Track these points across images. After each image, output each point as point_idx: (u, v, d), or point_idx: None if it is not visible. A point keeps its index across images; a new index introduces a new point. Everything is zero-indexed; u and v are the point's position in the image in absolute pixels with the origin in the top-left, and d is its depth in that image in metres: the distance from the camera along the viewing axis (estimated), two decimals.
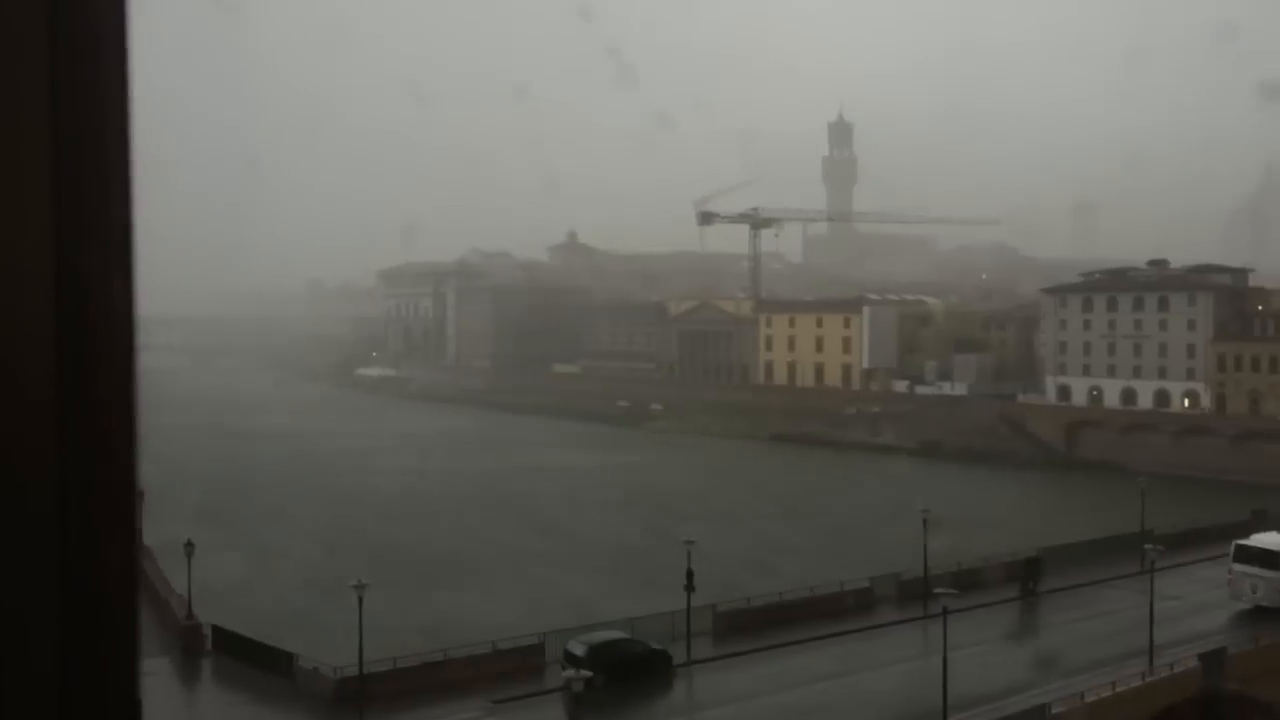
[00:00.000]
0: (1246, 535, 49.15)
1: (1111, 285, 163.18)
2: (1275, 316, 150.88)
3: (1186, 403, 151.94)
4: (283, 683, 37.85)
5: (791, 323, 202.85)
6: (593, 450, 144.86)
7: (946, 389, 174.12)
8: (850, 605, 47.09)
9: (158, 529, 46.00)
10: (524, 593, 63.69)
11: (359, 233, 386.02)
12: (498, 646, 39.47)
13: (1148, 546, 43.92)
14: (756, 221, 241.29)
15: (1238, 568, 46.52)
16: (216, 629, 41.43)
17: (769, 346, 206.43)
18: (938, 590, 39.11)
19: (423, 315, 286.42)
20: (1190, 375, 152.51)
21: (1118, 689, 35.30)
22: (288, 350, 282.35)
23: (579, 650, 37.62)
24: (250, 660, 39.33)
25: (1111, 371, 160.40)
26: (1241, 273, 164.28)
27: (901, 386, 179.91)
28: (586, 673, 31.31)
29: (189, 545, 42.62)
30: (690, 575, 40.80)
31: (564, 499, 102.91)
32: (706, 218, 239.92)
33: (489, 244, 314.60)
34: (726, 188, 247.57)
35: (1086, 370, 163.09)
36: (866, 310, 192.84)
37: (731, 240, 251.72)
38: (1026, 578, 50.07)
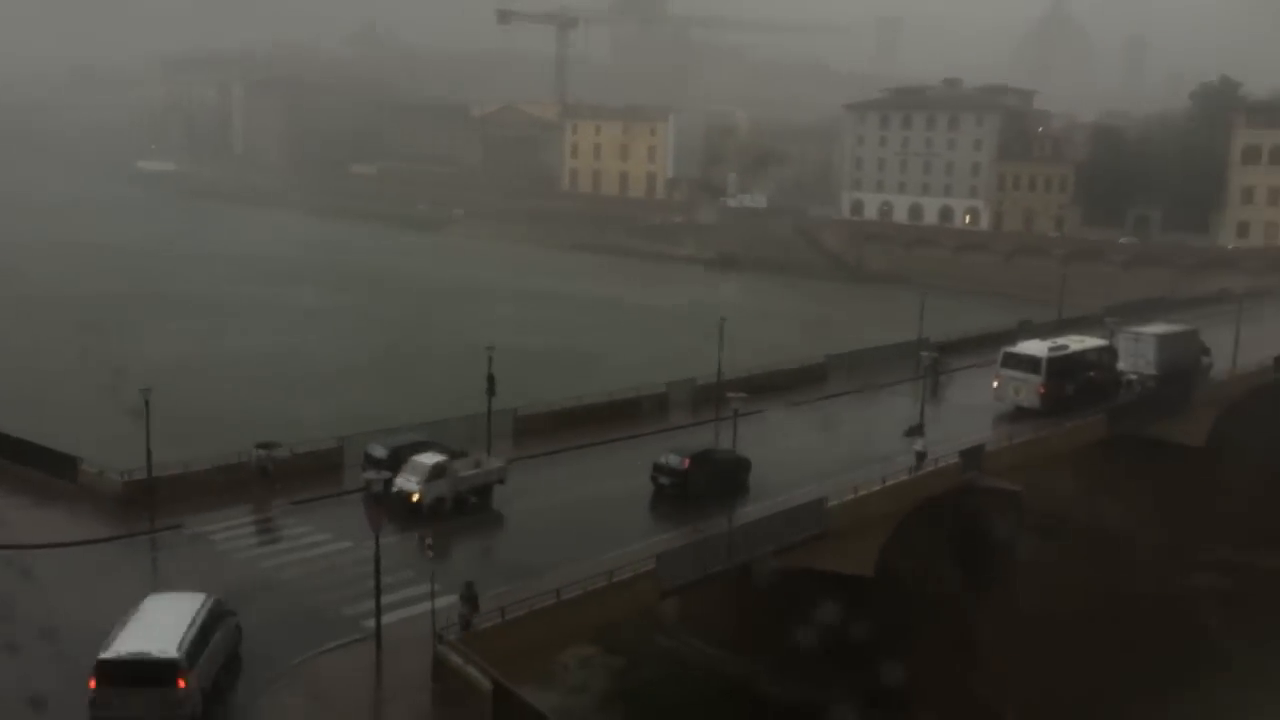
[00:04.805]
0: (1013, 343, 53.06)
1: (907, 103, 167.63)
2: (1054, 139, 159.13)
3: (968, 219, 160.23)
4: (68, 486, 36.54)
5: (597, 130, 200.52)
6: (388, 255, 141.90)
7: (748, 201, 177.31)
8: (646, 409, 48.65)
9: None
10: (325, 398, 62.98)
11: (136, 12, 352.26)
12: (295, 450, 39.08)
13: (924, 353, 46.85)
14: (563, 21, 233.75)
15: (1004, 372, 50.37)
16: None
17: (574, 154, 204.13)
18: (730, 394, 40.74)
19: (208, 106, 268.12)
20: (973, 193, 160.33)
21: (887, 483, 38.13)
22: (54, 141, 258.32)
23: (379, 452, 37.72)
24: (34, 464, 37.67)
25: (902, 188, 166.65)
26: (1027, 94, 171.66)
27: (704, 198, 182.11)
28: (386, 474, 31.39)
29: None
30: (491, 380, 41.11)
31: (356, 311, 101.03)
32: (505, 16, 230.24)
33: (281, 31, 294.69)
34: None
35: (880, 186, 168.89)
36: (672, 119, 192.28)
37: (540, 39, 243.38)
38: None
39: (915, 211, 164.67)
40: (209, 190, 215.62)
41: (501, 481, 37.64)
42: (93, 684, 22.12)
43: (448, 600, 26.64)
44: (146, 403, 34.60)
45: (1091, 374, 51.55)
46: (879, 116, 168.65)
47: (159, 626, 23.28)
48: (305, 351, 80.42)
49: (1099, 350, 53.00)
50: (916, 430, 42.43)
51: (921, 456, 40.52)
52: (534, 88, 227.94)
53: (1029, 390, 49.22)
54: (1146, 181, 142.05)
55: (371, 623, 26.63)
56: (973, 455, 40.89)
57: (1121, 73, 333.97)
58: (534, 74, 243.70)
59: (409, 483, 35.65)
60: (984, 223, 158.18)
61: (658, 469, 38.68)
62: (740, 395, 40.24)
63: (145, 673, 22.18)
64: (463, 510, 36.16)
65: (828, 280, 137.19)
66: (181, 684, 22.26)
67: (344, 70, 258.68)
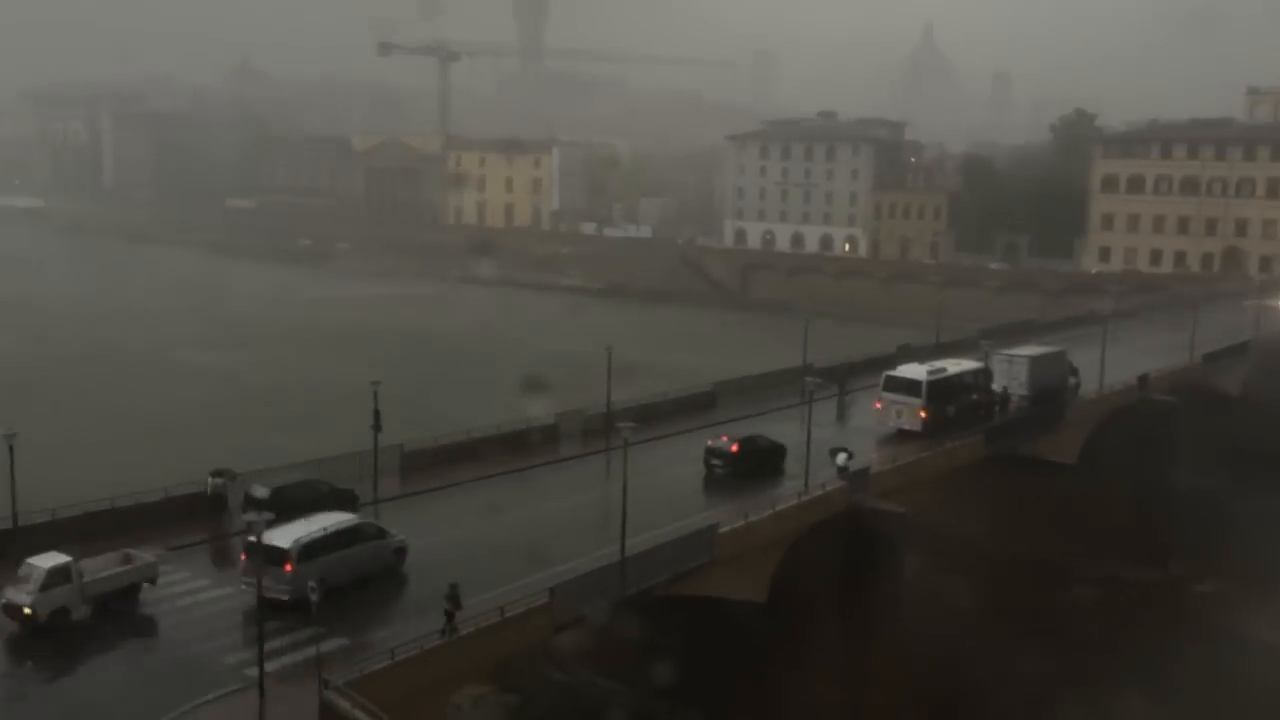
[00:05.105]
0: (894, 367, 54.34)
1: (786, 134, 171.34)
2: (927, 169, 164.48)
3: (847, 247, 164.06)
4: None
5: (482, 162, 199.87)
6: (276, 289, 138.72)
7: (632, 231, 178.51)
8: (536, 440, 48.35)
9: None
10: (203, 439, 61.12)
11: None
12: (170, 493, 37.73)
13: (807, 379, 47.56)
14: (444, 54, 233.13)
15: (886, 395, 51.50)
16: None
17: (458, 186, 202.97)
18: (620, 424, 40.73)
19: (76, 140, 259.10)
20: (852, 221, 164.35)
21: (777, 508, 38.60)
22: None
23: (260, 493, 36.64)
24: None
25: (783, 217, 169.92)
26: (899, 126, 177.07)
27: (590, 228, 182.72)
28: (269, 515, 30.51)
29: None
30: (377, 415, 40.37)
31: (240, 343, 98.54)
32: (385, 48, 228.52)
33: (152, 65, 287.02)
34: (408, 16, 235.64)
35: (761, 215, 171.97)
36: (556, 151, 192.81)
37: (422, 73, 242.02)
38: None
39: (797, 240, 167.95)
40: (78, 226, 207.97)
41: (152, 581, 31.16)
42: None
43: (335, 643, 25.92)
44: (10, 449, 33.22)
45: (970, 396, 53.08)
46: (759, 147, 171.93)
47: None
48: (182, 397, 78.21)
49: (975, 372, 54.60)
50: (839, 450, 43.17)
51: (844, 471, 41.28)
52: (417, 121, 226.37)
53: (910, 413, 50.39)
54: (1014, 209, 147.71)
55: (254, 670, 25.78)
56: (859, 478, 41.67)
57: (988, 105, 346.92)
58: (416, 108, 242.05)
59: (19, 594, 28.84)
60: (863, 250, 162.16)
61: (710, 453, 44.31)
62: (630, 425, 40.28)
63: None
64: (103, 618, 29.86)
65: (713, 308, 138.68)
66: None
67: (219, 103, 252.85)
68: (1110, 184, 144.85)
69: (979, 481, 49.30)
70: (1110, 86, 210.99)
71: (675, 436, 49.91)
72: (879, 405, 51.69)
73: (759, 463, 44.40)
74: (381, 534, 34.11)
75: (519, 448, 47.25)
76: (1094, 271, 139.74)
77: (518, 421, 49.10)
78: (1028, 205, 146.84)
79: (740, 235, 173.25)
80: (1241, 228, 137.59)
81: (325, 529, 32.23)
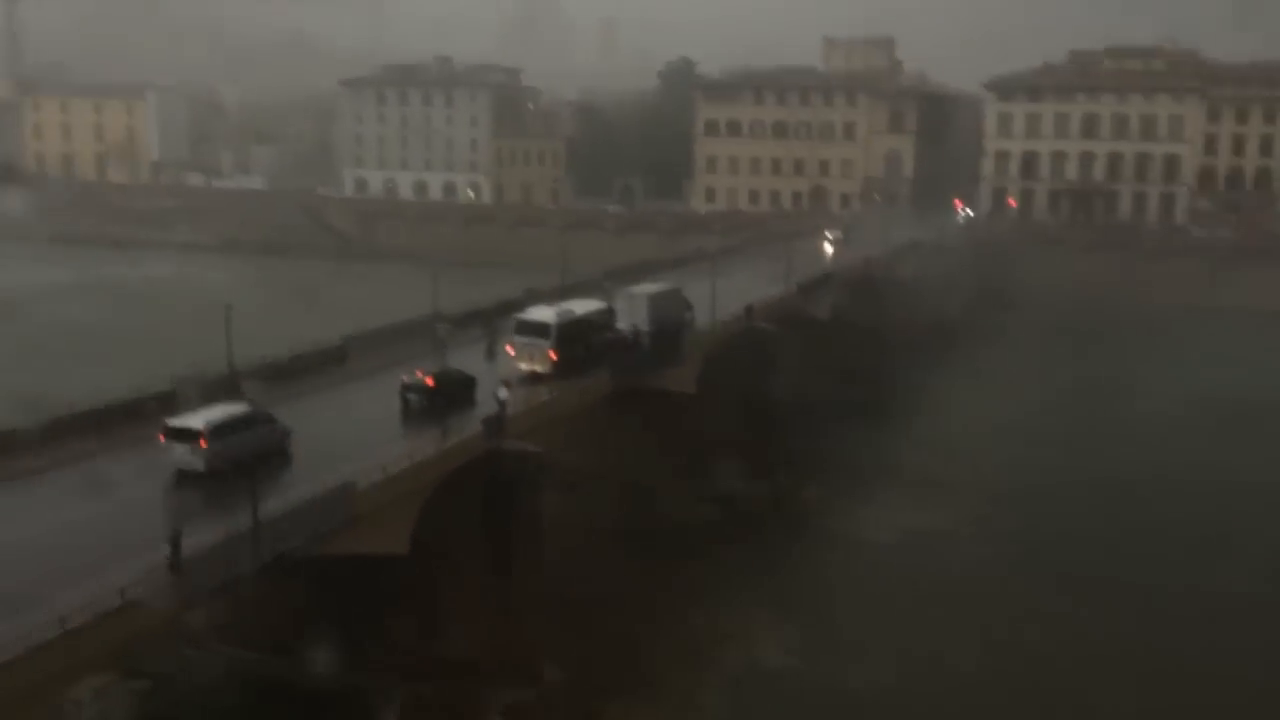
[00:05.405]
0: (523, 311, 55.31)
1: (403, 80, 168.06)
2: (544, 115, 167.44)
3: (471, 194, 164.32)
4: None
5: (63, 108, 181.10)
6: None
7: (245, 182, 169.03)
8: (153, 408, 44.95)
9: None
10: None
11: None
12: None
13: (438, 326, 47.56)
14: None
15: (517, 339, 52.42)
16: None
17: (39, 135, 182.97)
18: (245, 384, 38.93)
19: None
20: (474, 168, 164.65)
21: (415, 459, 38.46)
22: None
23: None
24: None
25: (405, 164, 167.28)
26: (514, 72, 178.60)
27: (197, 180, 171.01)
28: None
29: None
30: None
31: None
32: None
33: None
34: None
35: (383, 163, 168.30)
36: (152, 96, 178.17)
37: None
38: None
39: (420, 187, 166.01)
40: None
41: None
42: None
43: None
44: None
45: (597, 335, 55.16)
46: (375, 93, 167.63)
47: None
48: None
49: (601, 312, 56.76)
50: (503, 383, 44.59)
51: (503, 404, 42.37)
52: None
53: (542, 354, 51.65)
54: (627, 154, 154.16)
55: None
56: (494, 422, 42.33)
57: (597, 52, 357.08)
58: None
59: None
60: (486, 197, 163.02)
61: (406, 388, 45.35)
62: (258, 384, 38.59)
63: None
64: None
65: (338, 260, 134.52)
66: None
67: None
68: (712, 128, 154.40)
69: (610, 416, 51.58)
70: (709, 35, 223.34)
71: (308, 394, 48.22)
72: (511, 349, 52.56)
73: (453, 394, 45.94)
74: None
75: (135, 416, 43.68)
76: (702, 211, 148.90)
77: (129, 390, 45.35)
78: (640, 150, 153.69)
79: (362, 184, 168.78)
80: (825, 168, 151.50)
81: None
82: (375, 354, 54.95)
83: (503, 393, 43.00)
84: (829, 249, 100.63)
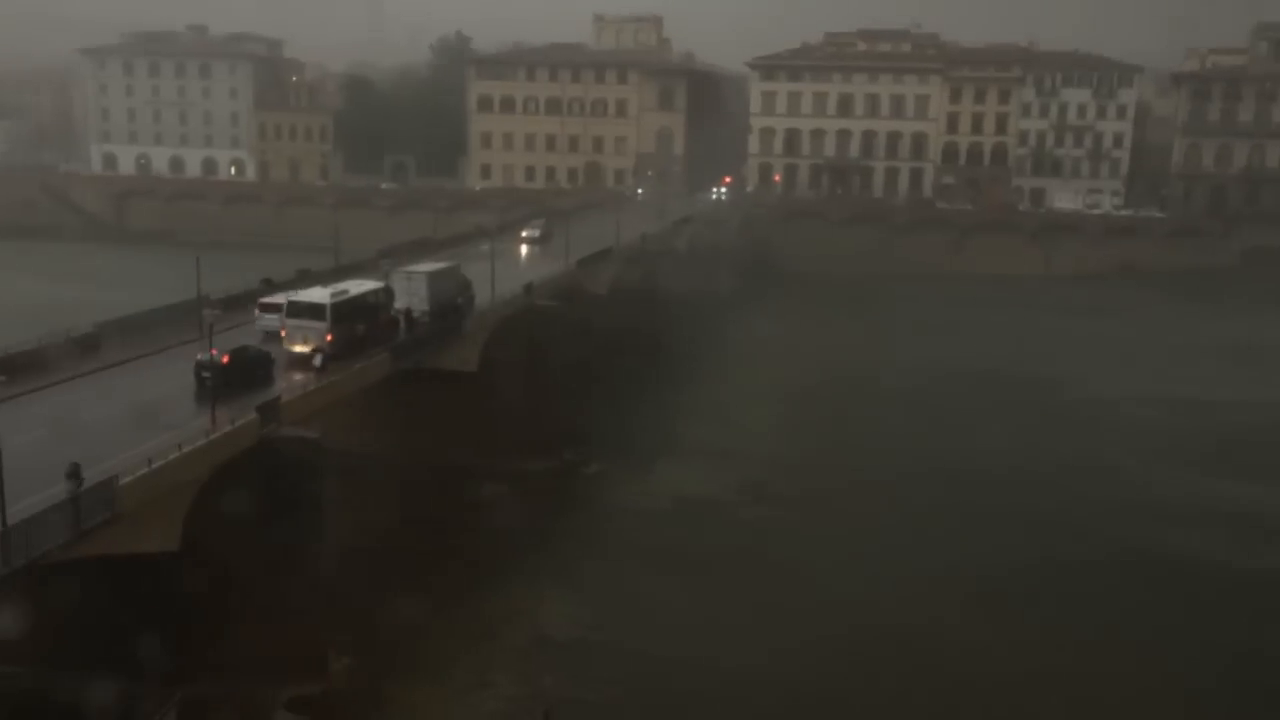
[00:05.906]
0: (295, 292, 53.41)
1: (153, 49, 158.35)
2: (310, 88, 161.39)
3: (234, 170, 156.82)
4: None
5: None
6: None
7: None
8: None
9: None
10: None
11: None
12: None
13: (205, 311, 45.28)
14: None
15: (290, 322, 50.57)
16: None
17: None
18: None
19: None
20: (236, 143, 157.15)
21: (184, 449, 36.65)
22: None
23: None
24: None
25: (159, 139, 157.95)
26: (276, 43, 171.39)
27: None
28: None
29: None
30: None
31: None
32: None
33: None
34: None
35: (134, 138, 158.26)
36: None
37: None
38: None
39: (176, 164, 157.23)
40: None
41: None
42: None
43: None
44: None
45: (374, 315, 53.95)
46: (122, 63, 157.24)
47: None
48: None
49: (377, 291, 55.50)
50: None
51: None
52: None
53: (317, 336, 50.07)
54: (399, 130, 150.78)
55: None
56: (269, 409, 40.85)
57: (364, 24, 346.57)
58: None
59: None
60: (250, 174, 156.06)
61: (200, 366, 44.16)
62: None
63: None
64: None
65: (86, 242, 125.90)
66: None
67: None
68: (485, 104, 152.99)
69: (390, 398, 50.66)
70: (480, 10, 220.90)
71: (55, 386, 45.10)
72: (284, 332, 50.74)
73: (251, 372, 45.35)
74: None
75: None
76: (478, 189, 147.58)
77: None
78: (412, 125, 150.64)
79: (110, 160, 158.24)
80: (599, 144, 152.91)
81: None
82: (134, 343, 51.92)
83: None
84: (523, 251, 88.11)
